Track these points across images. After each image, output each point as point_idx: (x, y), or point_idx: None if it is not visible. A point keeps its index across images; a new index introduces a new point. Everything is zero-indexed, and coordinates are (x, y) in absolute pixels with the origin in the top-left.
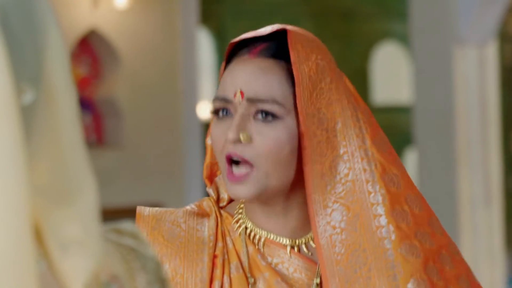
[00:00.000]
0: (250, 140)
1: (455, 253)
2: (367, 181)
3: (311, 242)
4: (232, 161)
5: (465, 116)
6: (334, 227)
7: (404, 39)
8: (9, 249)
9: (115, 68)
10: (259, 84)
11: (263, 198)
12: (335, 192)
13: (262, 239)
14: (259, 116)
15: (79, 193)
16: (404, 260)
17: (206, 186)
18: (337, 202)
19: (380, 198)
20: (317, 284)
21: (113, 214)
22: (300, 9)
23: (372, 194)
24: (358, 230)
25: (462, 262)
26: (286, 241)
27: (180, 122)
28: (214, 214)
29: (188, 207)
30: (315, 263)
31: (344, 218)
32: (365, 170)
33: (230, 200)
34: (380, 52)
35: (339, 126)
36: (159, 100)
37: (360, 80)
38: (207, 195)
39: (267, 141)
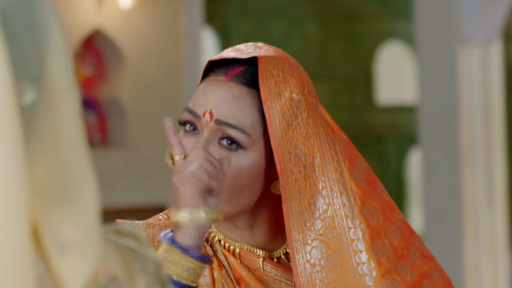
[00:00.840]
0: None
1: (437, 278)
2: (347, 216)
3: (283, 257)
4: None
5: (469, 116)
6: (314, 265)
7: (408, 39)
8: (7, 249)
9: (120, 68)
10: (230, 109)
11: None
12: (314, 229)
13: (237, 250)
14: (224, 142)
15: (79, 194)
16: None
17: None
18: (316, 239)
19: (360, 233)
20: None
21: (117, 214)
22: (304, 9)
23: (352, 230)
24: (339, 268)
25: (444, 285)
26: (260, 252)
27: None
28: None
29: (161, 217)
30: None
31: (324, 255)
32: (344, 205)
33: None
34: (385, 52)
35: (317, 160)
36: (163, 100)
37: (364, 80)
38: None
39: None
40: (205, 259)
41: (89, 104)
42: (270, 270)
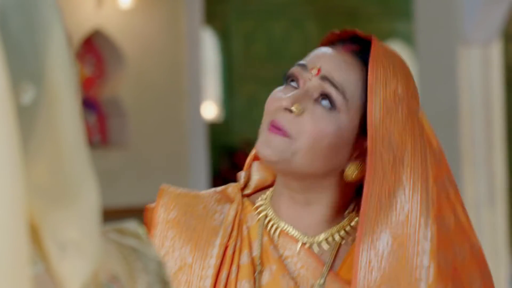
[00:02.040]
0: (300, 113)
1: None
2: (421, 215)
3: (323, 243)
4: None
5: (469, 115)
6: (376, 253)
7: (408, 38)
8: (4, 249)
9: (120, 68)
10: (338, 71)
11: (285, 173)
12: (387, 218)
13: (278, 230)
14: (321, 100)
15: (79, 194)
16: None
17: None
18: (386, 229)
19: (429, 236)
20: (320, 285)
21: (117, 214)
22: (305, 9)
23: (423, 230)
24: (399, 263)
25: None
26: (299, 236)
27: (184, 122)
28: (236, 202)
29: (212, 190)
30: (323, 263)
31: (388, 247)
32: (421, 205)
33: (255, 190)
34: None
35: (407, 156)
36: (163, 100)
37: None
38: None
39: (314, 124)
40: None
41: (89, 104)
42: (302, 257)
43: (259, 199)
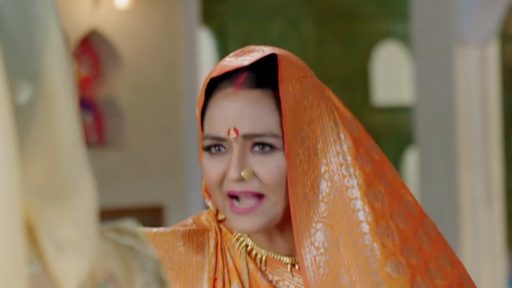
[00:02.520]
0: (252, 175)
1: (445, 263)
2: (350, 199)
3: None
4: (233, 197)
5: (466, 116)
6: (318, 248)
7: (405, 39)
8: (0, 249)
9: (116, 68)
10: (252, 119)
11: (267, 228)
12: (318, 212)
13: (264, 257)
14: (256, 148)
15: (75, 193)
16: (390, 279)
17: (205, 199)
18: (320, 222)
19: (363, 216)
20: None
21: (113, 214)
22: (301, 9)
23: (356, 213)
24: (342, 250)
25: (452, 270)
26: (286, 259)
27: (181, 122)
28: (213, 231)
29: (187, 223)
30: None
31: (328, 238)
32: (347, 188)
33: None
34: (382, 52)
35: (319, 144)
36: (160, 100)
37: (361, 80)
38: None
39: (271, 172)
40: None
41: (85, 104)
42: (293, 279)
43: None
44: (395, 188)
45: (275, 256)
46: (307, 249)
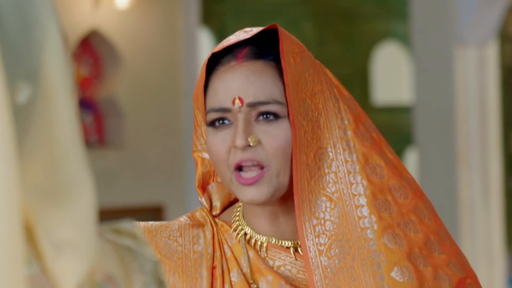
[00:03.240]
0: (258, 142)
1: (445, 238)
2: (349, 172)
3: None
4: (239, 168)
5: (465, 116)
6: (317, 218)
7: (405, 39)
8: None
9: (116, 68)
10: (256, 88)
11: (274, 199)
12: (319, 183)
13: (264, 244)
14: (261, 118)
15: (75, 193)
16: (387, 249)
17: (198, 195)
18: (320, 193)
19: (361, 189)
20: None
21: (114, 214)
22: (301, 9)
23: (354, 185)
24: (341, 221)
25: (452, 246)
26: (288, 243)
27: (181, 122)
28: (209, 224)
29: (182, 219)
30: None
31: (328, 209)
32: (346, 161)
33: (223, 209)
34: (381, 52)
35: (321, 117)
36: (160, 100)
37: (361, 80)
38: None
39: (275, 140)
40: None
41: (85, 104)
42: (295, 262)
43: (233, 216)
44: (394, 164)
45: (276, 241)
46: (307, 218)
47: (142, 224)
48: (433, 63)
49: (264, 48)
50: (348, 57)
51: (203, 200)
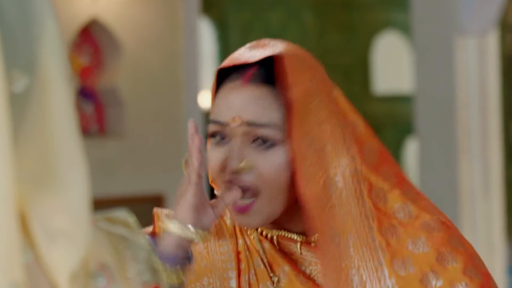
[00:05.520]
0: (252, 168)
1: (458, 245)
2: (358, 199)
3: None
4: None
5: (466, 105)
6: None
7: (405, 28)
8: None
9: (117, 58)
10: (256, 110)
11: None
12: (332, 214)
13: (275, 237)
14: (257, 142)
15: (68, 182)
16: (398, 277)
17: (213, 189)
18: (334, 224)
19: (370, 216)
20: None
21: (114, 204)
22: None
23: (363, 212)
24: (352, 246)
25: (467, 251)
26: (297, 237)
27: (181, 112)
28: (228, 214)
29: None
30: None
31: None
32: (355, 190)
33: None
34: (382, 41)
35: (328, 147)
36: (160, 90)
37: (361, 70)
38: (211, 187)
39: (269, 167)
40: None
41: (86, 93)
42: (307, 253)
43: None
44: (396, 182)
45: (286, 234)
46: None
47: (165, 211)
48: (434, 53)
49: (271, 73)
50: (348, 47)
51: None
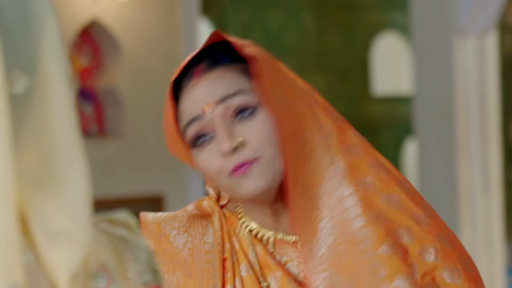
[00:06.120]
0: (243, 142)
1: (446, 243)
2: (339, 188)
3: None
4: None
5: (465, 106)
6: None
7: (404, 29)
8: None
9: (116, 59)
10: (223, 86)
11: (271, 192)
12: (304, 167)
13: (271, 239)
14: (239, 115)
15: (68, 182)
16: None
17: (205, 185)
18: (323, 218)
19: (354, 202)
20: None
21: (114, 204)
22: (301, 0)
23: (346, 200)
24: (339, 237)
25: (452, 251)
26: (292, 238)
27: None
28: (217, 214)
29: (189, 208)
30: None
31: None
32: (334, 181)
33: (231, 199)
34: (381, 42)
35: (309, 136)
36: (160, 90)
37: (360, 70)
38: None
39: (258, 132)
40: None
41: (86, 94)
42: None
43: (236, 211)
44: (392, 174)
45: (282, 237)
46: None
47: (151, 215)
48: (433, 54)
49: (218, 55)
50: (348, 48)
51: (211, 190)
